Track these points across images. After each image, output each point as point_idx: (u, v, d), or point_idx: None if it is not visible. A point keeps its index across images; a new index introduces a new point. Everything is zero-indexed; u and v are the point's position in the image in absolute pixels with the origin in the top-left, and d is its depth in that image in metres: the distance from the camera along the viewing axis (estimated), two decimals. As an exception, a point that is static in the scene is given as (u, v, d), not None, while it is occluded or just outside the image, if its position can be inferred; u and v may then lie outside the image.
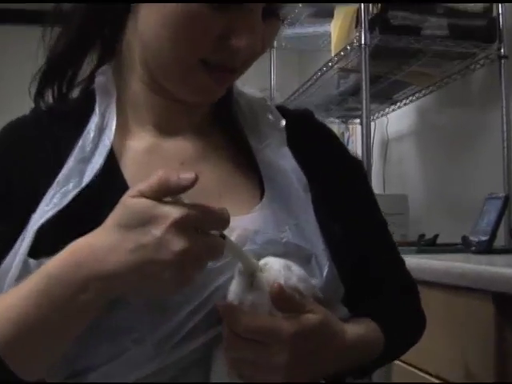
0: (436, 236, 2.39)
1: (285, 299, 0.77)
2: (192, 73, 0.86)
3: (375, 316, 0.93)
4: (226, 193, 0.91)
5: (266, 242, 0.83)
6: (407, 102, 3.17)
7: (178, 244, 0.67)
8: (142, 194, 0.69)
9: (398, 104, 3.25)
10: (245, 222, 0.84)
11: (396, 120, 3.40)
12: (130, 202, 0.70)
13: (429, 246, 2.31)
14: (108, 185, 0.84)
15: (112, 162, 0.87)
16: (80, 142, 0.86)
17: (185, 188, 0.69)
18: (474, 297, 1.35)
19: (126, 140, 0.91)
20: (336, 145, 1.06)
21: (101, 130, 0.88)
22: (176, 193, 0.70)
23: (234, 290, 0.79)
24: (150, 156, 0.90)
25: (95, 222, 0.73)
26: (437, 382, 1.48)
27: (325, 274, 0.85)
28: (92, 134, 0.88)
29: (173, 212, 0.68)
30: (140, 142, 0.91)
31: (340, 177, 1.00)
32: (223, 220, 0.71)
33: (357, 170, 1.07)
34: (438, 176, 2.98)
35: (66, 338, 0.76)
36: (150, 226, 0.68)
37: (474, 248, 1.86)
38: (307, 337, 0.78)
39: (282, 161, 0.94)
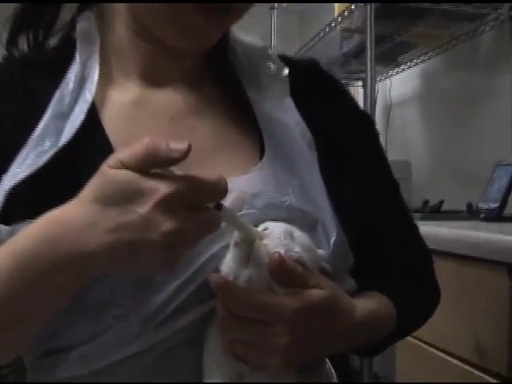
0: (441, 202, 2.33)
1: (286, 272, 0.68)
2: (182, 13, 0.75)
3: (386, 289, 0.86)
4: (221, 151, 0.81)
5: (265, 206, 0.75)
6: (412, 64, 3.07)
7: (166, 224, 0.59)
8: (125, 165, 0.60)
9: (403, 66, 3.15)
10: (242, 184, 0.76)
11: (400, 83, 3.31)
12: (109, 174, 0.61)
13: (433, 212, 2.24)
14: (89, 145, 0.75)
15: (93, 118, 0.78)
16: (57, 95, 0.77)
17: (175, 160, 0.60)
18: (486, 268, 1.27)
19: (109, 92, 0.82)
20: (345, 98, 0.96)
21: (81, 82, 0.79)
22: (165, 165, 0.61)
23: (228, 262, 0.70)
24: (137, 110, 0.81)
25: (73, 187, 0.65)
26: (443, 356, 1.41)
27: (332, 242, 0.77)
28: (71, 86, 0.78)
29: (160, 187, 0.60)
30: (125, 94, 0.82)
31: (349, 133, 0.90)
32: (220, 191, 0.63)
33: (368, 127, 0.96)
34: (442, 141, 2.90)
35: (42, 320, 0.69)
36: (133, 204, 0.60)
37: (483, 215, 1.80)
38: (312, 315, 0.70)
39: (284, 114, 0.84)
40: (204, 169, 0.68)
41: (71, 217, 0.63)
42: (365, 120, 0.97)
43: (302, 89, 0.88)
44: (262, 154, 0.82)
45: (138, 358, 0.71)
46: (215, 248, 0.71)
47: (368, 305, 0.80)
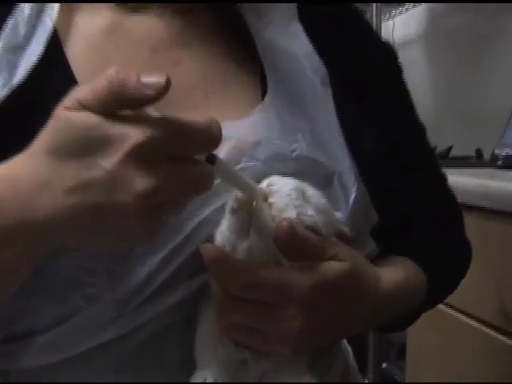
0: (449, 148, 2.24)
1: (297, 243, 0.55)
2: None
3: (413, 251, 0.76)
4: (215, 90, 0.68)
5: (269, 157, 0.63)
6: (417, 4, 2.92)
7: (141, 182, 0.47)
8: (84, 106, 0.47)
9: (407, 6, 2.99)
10: (240, 130, 0.64)
11: (403, 24, 3.15)
12: (65, 118, 0.48)
13: (442, 158, 2.13)
14: (49, 83, 0.62)
15: (55, 50, 0.65)
16: (10, 24, 0.63)
17: (150, 99, 0.47)
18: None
19: (75, 18, 0.68)
20: (364, 27, 0.82)
21: (40, 6, 0.65)
22: (136, 105, 0.48)
23: (224, 230, 0.58)
24: (109, 40, 0.67)
25: (30, 137, 0.51)
26: (462, 318, 1.31)
27: (352, 198, 0.66)
28: (27, 12, 0.64)
29: (132, 133, 0.47)
30: (95, 20, 0.68)
31: (370, 67, 0.76)
32: (212, 138, 0.50)
33: (391, 61, 0.82)
34: (449, 85, 2.78)
35: None
36: (97, 156, 0.47)
37: (500, 162, 1.68)
38: (329, 292, 0.58)
39: (292, 43, 0.70)
40: (192, 111, 0.61)
41: (19, 174, 0.49)
42: (388, 52, 0.82)
43: (313, 12, 0.74)
44: (265, 93, 0.69)
45: (117, 346, 0.61)
46: (208, 211, 0.60)
47: (394, 275, 0.68)
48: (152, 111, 0.49)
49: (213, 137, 0.49)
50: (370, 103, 0.74)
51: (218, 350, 0.59)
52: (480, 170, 1.71)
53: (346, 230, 0.63)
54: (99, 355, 0.60)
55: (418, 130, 0.83)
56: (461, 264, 0.84)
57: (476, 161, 2.16)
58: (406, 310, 0.72)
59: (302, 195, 0.58)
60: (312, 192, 0.60)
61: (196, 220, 0.59)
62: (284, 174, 0.62)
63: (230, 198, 0.57)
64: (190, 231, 0.59)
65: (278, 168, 0.63)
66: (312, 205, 0.58)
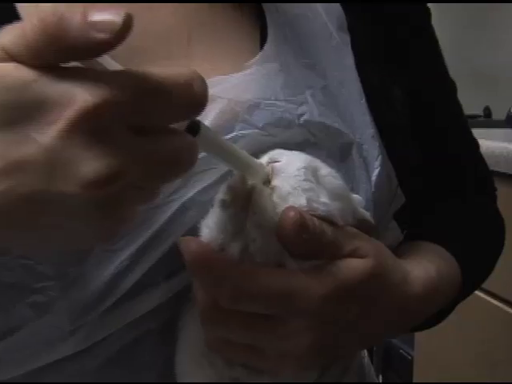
0: None
1: (307, 240, 0.43)
2: None
3: (444, 235, 0.64)
4: (200, 35, 0.54)
5: (270, 123, 0.50)
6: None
7: (92, 164, 0.32)
8: (11, 55, 0.33)
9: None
10: (232, 88, 0.51)
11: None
12: None
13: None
14: None
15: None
16: None
17: (103, 45, 0.33)
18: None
19: None
20: None
21: None
22: (84, 55, 0.34)
23: (212, 221, 0.44)
24: None
25: None
26: (484, 297, 1.19)
27: (375, 175, 0.53)
28: None
29: (79, 94, 0.32)
30: None
31: (397, 14, 0.63)
32: (193, 101, 0.35)
33: (419, 8, 0.68)
34: (454, 40, 2.62)
35: None
36: (29, 126, 0.32)
37: None
38: (349, 300, 0.45)
39: None
40: (169, 64, 0.50)
41: None
42: (421, 9, 0.68)
43: None
44: (264, 40, 0.54)
45: (76, 362, 0.48)
46: (191, 192, 0.48)
47: (425, 271, 0.55)
48: (108, 62, 0.35)
49: (195, 97, 0.35)
50: (396, 58, 0.61)
51: (204, 366, 0.48)
52: (494, 130, 1.60)
53: (369, 216, 0.50)
54: (53, 373, 0.49)
55: (450, 91, 0.70)
56: (496, 243, 0.72)
57: (484, 120, 2.06)
58: (437, 309, 0.60)
59: (314, 175, 0.45)
60: (326, 171, 0.47)
61: (175, 205, 0.47)
62: (289, 144, 0.49)
63: (222, 188, 0.44)
64: (168, 220, 0.47)
65: (281, 137, 0.50)
66: (326, 188, 0.45)
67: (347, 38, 0.55)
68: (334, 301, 0.44)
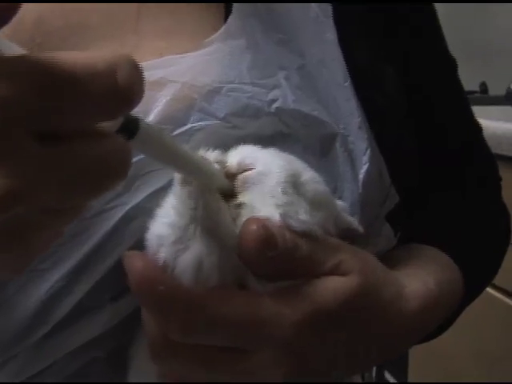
0: None
1: (272, 257, 0.35)
2: None
3: (443, 236, 0.56)
4: (152, 9, 0.46)
5: (234, 113, 0.42)
6: None
7: None
8: None
9: None
10: (188, 70, 0.42)
11: None
12: None
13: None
14: None
15: None
16: None
17: None
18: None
19: None
20: None
21: None
22: None
23: (162, 230, 0.36)
24: None
25: None
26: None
27: (363, 172, 0.44)
28: None
29: None
30: None
31: None
32: (116, 93, 0.26)
33: None
34: (449, 13, 2.54)
35: None
36: None
37: None
38: (329, 325, 0.37)
39: None
40: (113, 43, 0.43)
41: None
42: None
43: None
44: (228, 12, 0.46)
45: None
46: (136, 198, 0.40)
47: (423, 283, 0.47)
48: (4, 45, 0.26)
49: (119, 89, 0.26)
50: (387, 32, 0.52)
51: None
52: (492, 108, 1.55)
53: (355, 223, 0.42)
54: None
55: (449, 69, 0.61)
56: (501, 239, 0.64)
57: (481, 96, 1.98)
58: (439, 323, 0.52)
59: (295, 186, 0.37)
60: (307, 175, 0.39)
61: (118, 213, 0.39)
62: (257, 137, 0.41)
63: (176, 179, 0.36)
64: (110, 230, 0.39)
65: (248, 129, 0.42)
66: (307, 198, 0.37)
67: (328, 9, 0.46)
68: (310, 328, 0.36)
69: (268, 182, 0.36)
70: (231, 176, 0.36)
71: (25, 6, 0.44)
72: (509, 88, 1.52)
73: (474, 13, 2.37)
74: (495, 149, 1.03)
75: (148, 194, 0.40)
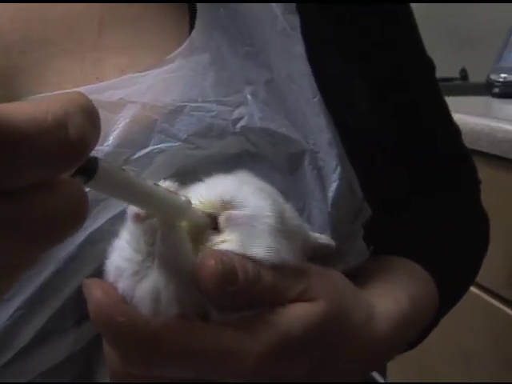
0: None
1: (233, 291, 0.34)
2: None
3: (417, 246, 0.56)
4: (114, 23, 0.45)
5: (197, 133, 0.41)
6: None
7: None
8: None
9: None
10: (148, 88, 0.41)
11: None
12: None
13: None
14: None
15: None
16: None
17: None
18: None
19: None
20: None
21: None
22: None
23: (120, 264, 0.35)
24: None
25: None
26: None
27: (333, 189, 0.43)
28: None
29: None
30: None
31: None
32: (67, 149, 0.24)
33: None
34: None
35: None
36: None
37: (497, 90, 1.46)
38: (295, 354, 0.36)
39: None
40: (73, 59, 0.42)
41: None
42: None
43: None
44: (193, 25, 0.44)
45: None
46: (98, 221, 0.39)
47: (395, 302, 0.46)
48: None
49: (70, 144, 0.24)
50: (359, 40, 0.51)
51: None
52: (473, 99, 1.52)
53: (325, 239, 0.41)
54: None
55: (428, 73, 0.60)
56: (478, 245, 0.64)
57: (461, 83, 1.97)
58: (413, 339, 0.52)
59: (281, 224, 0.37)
60: (289, 213, 0.38)
61: (79, 237, 0.39)
62: (223, 156, 0.40)
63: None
64: (72, 255, 0.39)
65: (213, 149, 0.41)
66: (285, 232, 0.37)
67: (296, 22, 0.45)
68: (274, 358, 0.35)
69: (258, 226, 0.35)
70: (211, 211, 0.35)
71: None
72: (488, 77, 1.50)
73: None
74: (473, 144, 1.02)
75: (110, 217, 0.38)
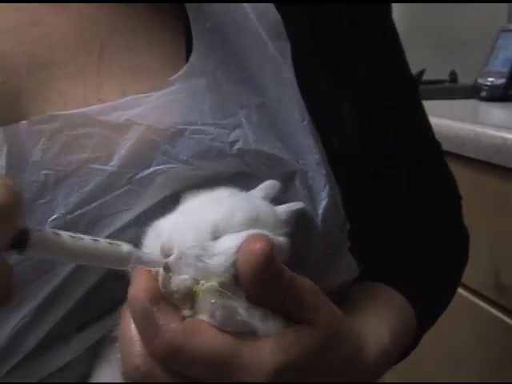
0: (422, 72, 1.96)
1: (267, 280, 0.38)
2: None
3: (398, 272, 0.57)
4: (115, 46, 0.47)
5: (197, 155, 0.43)
6: None
7: None
8: None
9: None
10: (150, 111, 0.43)
11: None
12: None
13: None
14: None
15: None
16: None
17: None
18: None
19: None
20: None
21: None
22: None
23: None
24: None
25: None
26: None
27: (322, 207, 0.46)
28: None
29: None
30: None
31: (352, 23, 0.55)
32: None
33: (381, 16, 0.60)
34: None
35: None
36: None
37: (484, 94, 1.49)
38: (299, 374, 0.39)
39: None
40: (76, 81, 0.44)
41: None
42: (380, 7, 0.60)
43: None
44: (190, 52, 0.47)
45: None
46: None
47: (379, 337, 0.49)
48: None
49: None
50: (344, 61, 0.53)
51: None
52: (460, 102, 1.56)
53: (293, 205, 0.44)
54: None
55: (411, 90, 0.63)
56: (458, 264, 0.65)
57: (450, 86, 1.97)
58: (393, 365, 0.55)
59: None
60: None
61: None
62: (219, 177, 0.43)
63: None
64: (75, 269, 0.41)
65: (210, 170, 0.43)
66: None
67: (287, 50, 0.47)
68: (280, 378, 0.38)
69: (183, 261, 0.37)
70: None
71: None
72: (476, 81, 1.52)
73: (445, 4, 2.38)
74: (458, 150, 1.05)
75: (111, 232, 0.41)
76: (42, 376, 0.43)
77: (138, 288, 0.37)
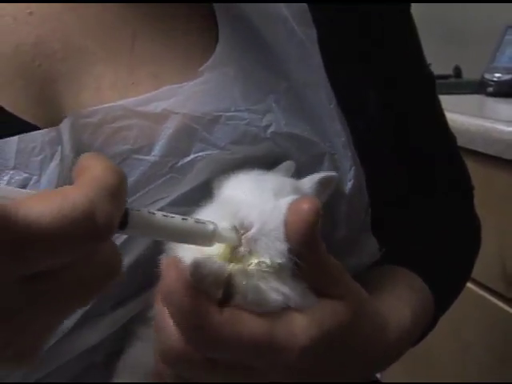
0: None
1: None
2: None
3: (417, 259, 0.59)
4: (146, 36, 0.47)
5: (234, 141, 0.44)
6: None
7: None
8: None
9: None
10: (186, 100, 0.44)
11: None
12: None
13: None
14: None
15: None
16: None
17: None
18: None
19: None
20: None
21: None
22: None
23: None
24: None
25: None
26: None
27: (348, 188, 0.47)
28: None
29: None
30: None
31: (376, 17, 0.56)
32: (95, 235, 0.27)
33: (401, 13, 0.61)
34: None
35: None
36: None
37: (491, 89, 1.49)
38: (329, 350, 0.40)
39: None
40: (107, 71, 0.45)
41: None
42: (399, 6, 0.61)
43: None
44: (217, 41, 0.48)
45: None
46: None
47: (402, 318, 0.50)
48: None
49: (98, 231, 0.27)
50: (370, 54, 0.54)
51: None
52: (466, 97, 1.55)
53: (324, 174, 0.44)
54: None
55: (427, 86, 0.63)
56: (471, 253, 0.67)
57: (455, 81, 1.98)
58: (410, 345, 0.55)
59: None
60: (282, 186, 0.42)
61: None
62: (253, 160, 0.44)
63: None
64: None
65: (246, 155, 0.44)
66: None
67: (313, 34, 0.48)
68: (315, 351, 0.39)
69: (268, 236, 0.38)
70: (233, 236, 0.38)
71: (24, 28, 0.45)
72: (483, 77, 1.53)
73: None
74: (469, 145, 1.05)
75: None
76: (76, 353, 0.43)
77: (171, 278, 0.36)
